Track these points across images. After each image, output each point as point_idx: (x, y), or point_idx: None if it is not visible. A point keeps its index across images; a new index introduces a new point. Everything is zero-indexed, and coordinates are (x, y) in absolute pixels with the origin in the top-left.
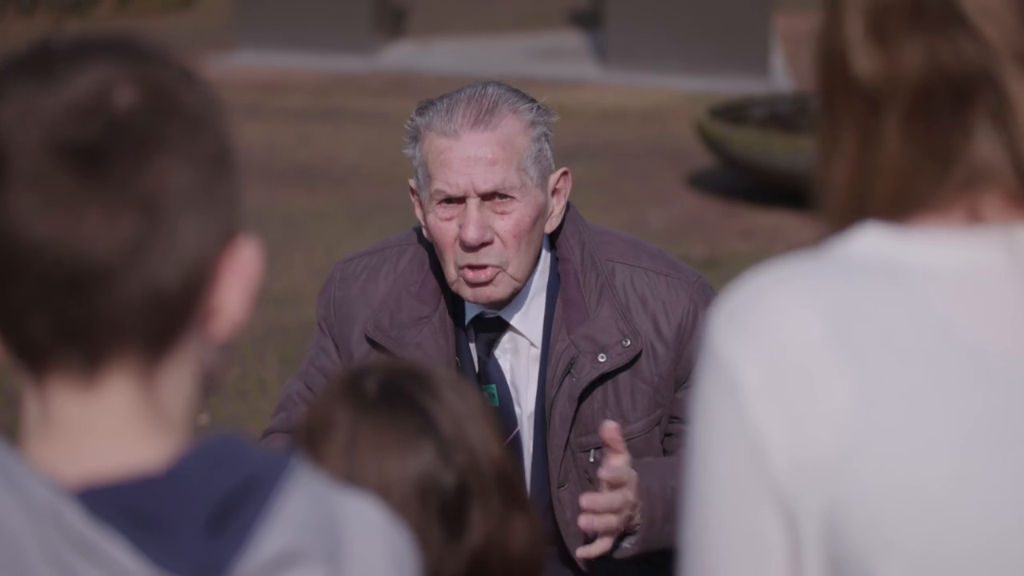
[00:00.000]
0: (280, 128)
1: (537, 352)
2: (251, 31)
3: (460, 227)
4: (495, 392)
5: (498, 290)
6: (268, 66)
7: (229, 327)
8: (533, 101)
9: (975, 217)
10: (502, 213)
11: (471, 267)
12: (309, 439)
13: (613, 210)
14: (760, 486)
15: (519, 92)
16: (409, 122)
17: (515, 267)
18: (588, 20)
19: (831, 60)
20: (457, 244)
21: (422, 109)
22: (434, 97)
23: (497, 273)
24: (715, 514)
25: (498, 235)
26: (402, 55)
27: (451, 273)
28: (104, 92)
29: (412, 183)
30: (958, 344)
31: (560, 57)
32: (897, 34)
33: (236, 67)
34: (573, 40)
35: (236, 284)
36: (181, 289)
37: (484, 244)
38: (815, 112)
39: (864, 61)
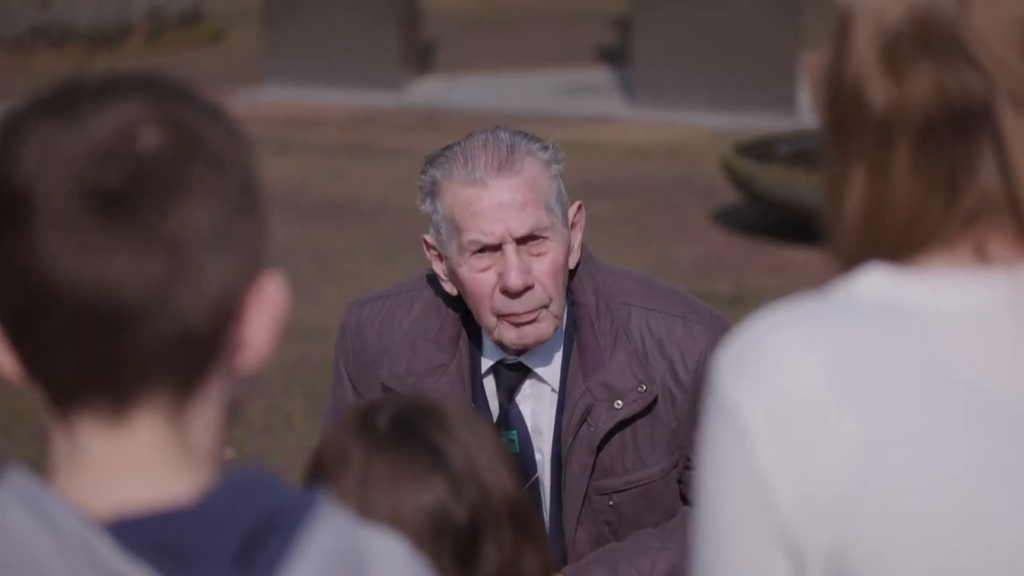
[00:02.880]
0: (309, 163)
1: (556, 396)
2: (280, 66)
3: (499, 275)
4: (515, 438)
5: (543, 327)
6: (296, 101)
7: (256, 361)
8: (542, 141)
9: (981, 255)
10: (538, 255)
11: (514, 313)
12: (322, 474)
13: (639, 246)
14: (769, 529)
15: (527, 134)
16: (422, 176)
17: (556, 305)
18: (616, 56)
19: (842, 91)
20: (496, 292)
21: (434, 162)
22: (448, 145)
23: (540, 312)
24: (725, 558)
25: (537, 278)
26: (430, 91)
27: (490, 321)
28: (128, 134)
29: (428, 238)
30: (962, 385)
31: (587, 93)
32: (907, 63)
33: (264, 102)
34: (601, 76)
35: (262, 319)
36: (208, 327)
37: (527, 289)
38: (823, 146)
39: (877, 91)
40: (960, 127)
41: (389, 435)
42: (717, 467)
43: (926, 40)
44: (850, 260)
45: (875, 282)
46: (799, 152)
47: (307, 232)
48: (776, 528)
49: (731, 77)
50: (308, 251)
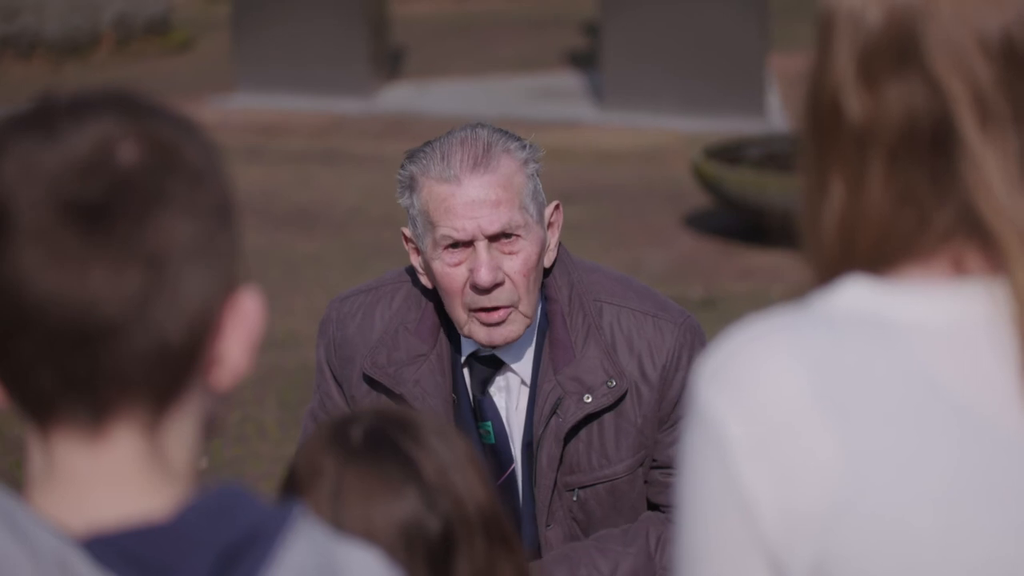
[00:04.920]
0: (279, 170)
1: (527, 390)
2: (249, 73)
3: (470, 271)
4: (491, 429)
5: (513, 328)
6: (266, 108)
7: (231, 377)
8: (520, 140)
9: (959, 268)
10: (510, 253)
11: (484, 309)
12: (296, 487)
13: (610, 251)
14: (749, 541)
15: (506, 132)
16: (401, 171)
17: (526, 304)
18: (585, 61)
19: (821, 102)
20: (467, 288)
21: (413, 157)
22: (428, 141)
23: (511, 312)
24: (706, 569)
25: (508, 275)
26: (400, 97)
27: (461, 317)
28: (107, 149)
29: (406, 231)
30: (943, 399)
31: (557, 98)
32: (882, 78)
33: (235, 109)
34: (570, 81)
35: (238, 334)
36: (186, 342)
37: (496, 285)
38: (800, 153)
39: (855, 103)
40: (928, 145)
41: (362, 447)
42: (698, 478)
43: (899, 52)
44: (826, 271)
45: (856, 294)
46: (768, 155)
47: (277, 240)
48: (758, 540)
49: (700, 81)
50: (278, 259)
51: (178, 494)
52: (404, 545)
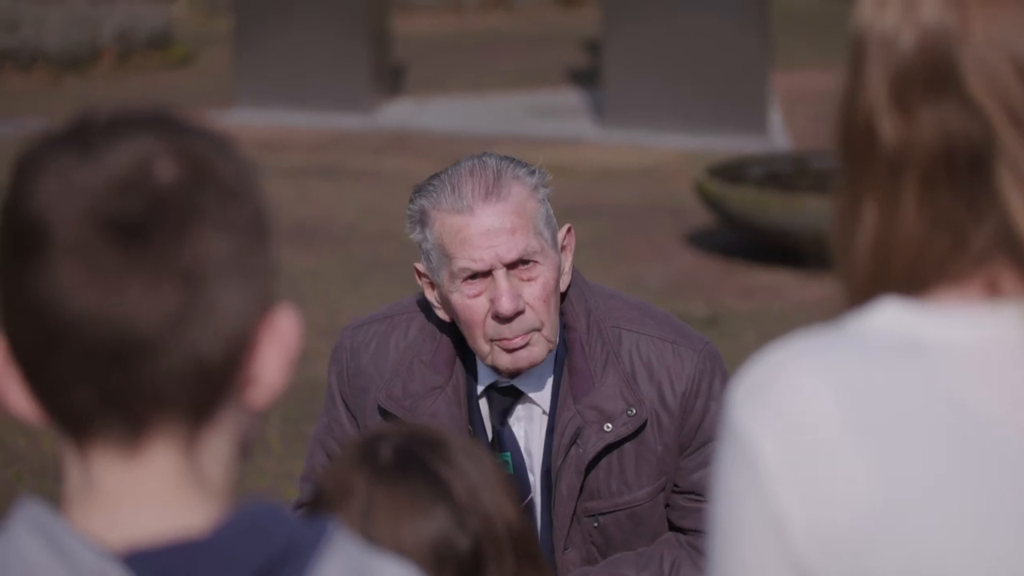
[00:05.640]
0: (279, 185)
1: (547, 419)
2: (249, 88)
3: (491, 300)
4: (509, 460)
5: (536, 351)
6: (266, 124)
7: (267, 395)
8: (528, 165)
9: (993, 290)
10: (529, 279)
11: (506, 338)
12: (325, 505)
13: (612, 268)
14: (781, 559)
15: (514, 159)
16: (411, 206)
17: (548, 328)
18: (586, 78)
19: (854, 126)
20: (489, 318)
21: (421, 191)
22: (435, 174)
23: (532, 335)
24: None
25: (528, 303)
26: (400, 113)
27: (483, 348)
28: (145, 166)
29: (419, 266)
30: (976, 421)
31: (558, 115)
32: (915, 102)
33: (235, 125)
34: (571, 98)
35: (274, 353)
36: (222, 358)
37: (518, 313)
38: (835, 174)
39: (888, 127)
40: (964, 168)
41: (392, 466)
42: (730, 496)
43: (933, 76)
44: (859, 293)
45: (890, 316)
46: (770, 174)
47: (277, 255)
48: (789, 557)
49: (701, 98)
50: (279, 275)
51: (214, 511)
52: (434, 564)
